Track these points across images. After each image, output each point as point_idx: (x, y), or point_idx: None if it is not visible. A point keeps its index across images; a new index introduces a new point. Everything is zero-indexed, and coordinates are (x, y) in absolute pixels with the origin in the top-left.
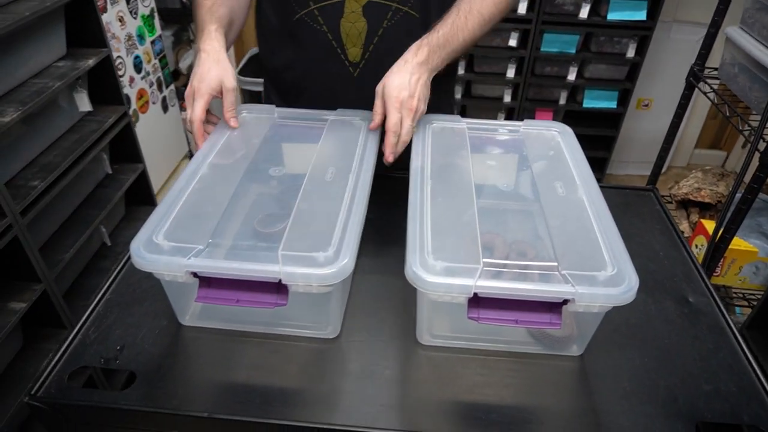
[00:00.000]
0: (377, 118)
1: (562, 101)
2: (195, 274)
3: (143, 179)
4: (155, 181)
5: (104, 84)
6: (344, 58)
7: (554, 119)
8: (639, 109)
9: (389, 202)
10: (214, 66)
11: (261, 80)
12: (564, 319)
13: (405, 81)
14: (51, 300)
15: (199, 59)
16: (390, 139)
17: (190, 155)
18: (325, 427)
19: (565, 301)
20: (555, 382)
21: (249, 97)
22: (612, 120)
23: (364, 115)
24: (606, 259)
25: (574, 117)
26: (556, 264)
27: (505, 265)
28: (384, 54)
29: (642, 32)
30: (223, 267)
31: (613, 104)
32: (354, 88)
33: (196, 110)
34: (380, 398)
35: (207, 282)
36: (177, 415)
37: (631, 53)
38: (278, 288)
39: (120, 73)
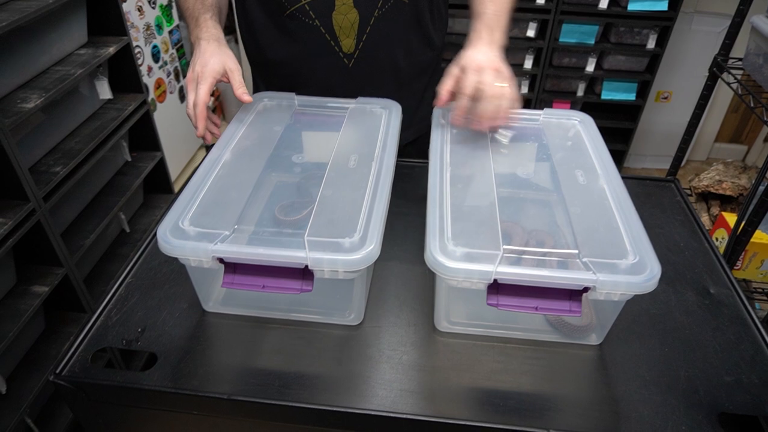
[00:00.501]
0: (441, 93)
1: (580, 93)
2: (221, 260)
3: (161, 167)
4: (172, 170)
5: (124, 72)
6: (338, 50)
7: None
8: (658, 101)
9: (408, 190)
10: (216, 51)
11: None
12: (583, 307)
13: (484, 54)
14: (72, 284)
15: (199, 47)
16: (462, 102)
17: (206, 145)
18: (342, 410)
19: (586, 289)
20: (573, 370)
21: None
22: (630, 112)
23: (384, 104)
24: (628, 248)
25: (591, 109)
26: (577, 251)
27: (525, 252)
28: (377, 43)
29: (663, 23)
30: (249, 253)
31: (631, 96)
32: (349, 79)
33: (201, 94)
34: (398, 383)
35: (233, 268)
36: (197, 396)
37: (651, 44)
38: (304, 274)
39: (139, 62)
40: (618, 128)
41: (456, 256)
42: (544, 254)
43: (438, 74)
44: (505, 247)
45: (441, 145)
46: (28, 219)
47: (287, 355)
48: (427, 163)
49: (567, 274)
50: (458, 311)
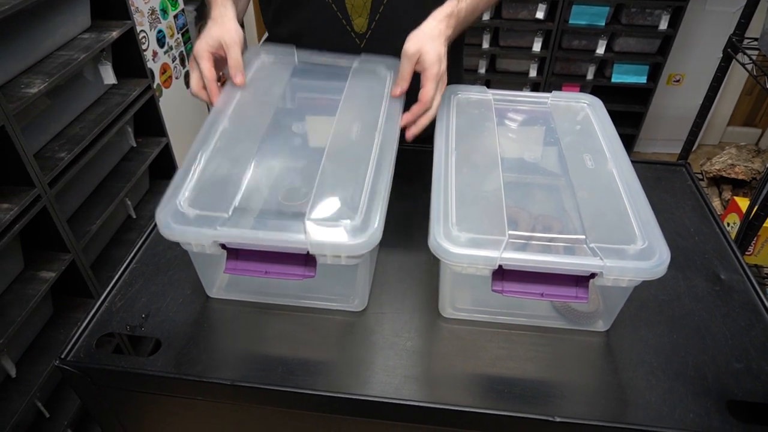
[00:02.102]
0: (404, 85)
1: (590, 76)
2: (223, 246)
3: (167, 153)
4: (178, 156)
5: (128, 57)
6: (350, 29)
7: None
8: (670, 84)
9: (412, 175)
10: (216, 26)
11: None
12: (590, 293)
13: (442, 52)
14: (79, 270)
15: (206, 27)
16: (419, 111)
17: None
18: (346, 396)
19: (593, 275)
20: (579, 356)
21: None
22: (641, 96)
23: (388, 63)
24: (636, 233)
25: (601, 92)
26: (583, 237)
27: (531, 238)
28: (389, 24)
29: (676, 3)
30: (250, 238)
31: (642, 79)
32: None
33: (205, 71)
34: (402, 370)
35: (235, 253)
36: (200, 382)
37: (663, 26)
38: (306, 259)
39: (144, 47)
40: (628, 112)
41: (460, 242)
42: (551, 240)
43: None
44: (510, 232)
45: (446, 129)
46: (34, 205)
47: (291, 341)
48: (432, 147)
49: (573, 260)
50: (463, 297)
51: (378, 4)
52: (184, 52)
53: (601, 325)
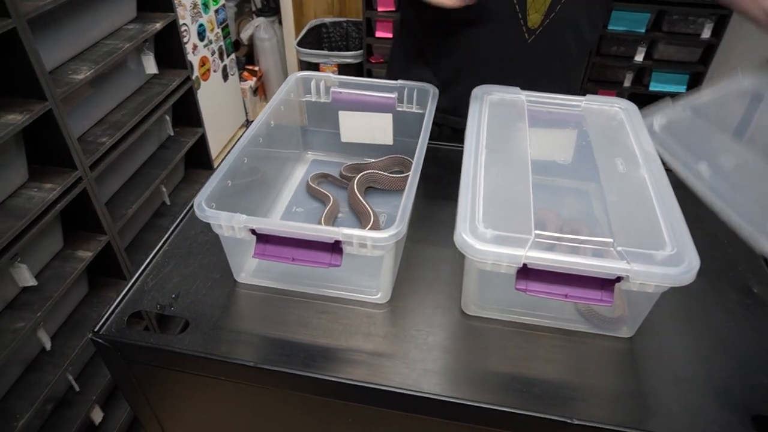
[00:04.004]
0: None
1: (627, 83)
2: (253, 231)
3: (202, 143)
4: (213, 147)
5: (170, 48)
6: (523, 23)
7: None
8: None
9: (442, 173)
10: None
11: (322, 52)
12: (616, 299)
13: None
14: (114, 252)
15: None
16: None
17: (247, 124)
18: (365, 385)
19: (619, 279)
20: (601, 361)
21: (308, 68)
22: None
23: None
24: (666, 239)
25: (638, 101)
26: (611, 240)
27: (557, 239)
28: (562, 23)
29: (720, 11)
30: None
31: (682, 88)
32: (524, 55)
33: None
34: (422, 363)
35: (265, 239)
36: (224, 362)
37: (706, 34)
38: (333, 248)
39: (184, 39)
40: None
41: (486, 238)
42: (577, 242)
43: (582, 68)
44: (536, 232)
45: (478, 128)
46: (75, 186)
47: (314, 328)
48: (462, 146)
49: (599, 262)
50: (487, 295)
51: (557, 2)
52: (224, 47)
53: (626, 332)
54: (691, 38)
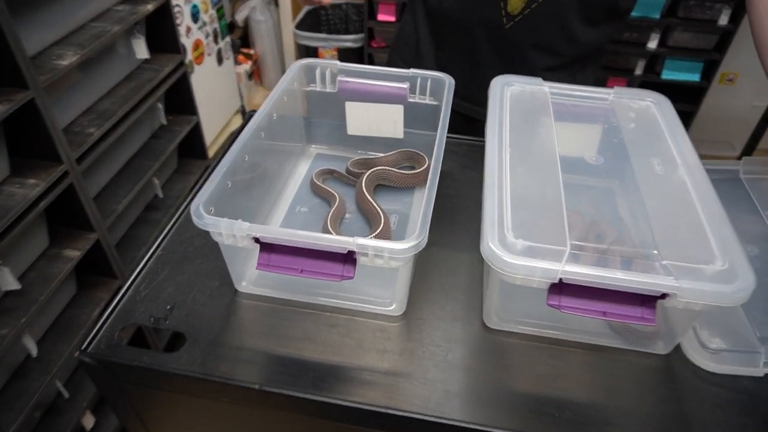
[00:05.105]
0: None
1: (639, 71)
2: (256, 240)
3: (197, 132)
4: (208, 135)
5: (161, 31)
6: (503, 6)
7: None
8: (722, 83)
9: (456, 170)
10: None
11: (320, 35)
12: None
13: None
14: (104, 250)
15: None
16: None
17: (242, 110)
18: (383, 411)
19: (663, 296)
20: (637, 380)
21: (306, 52)
22: (692, 94)
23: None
24: (715, 251)
25: (649, 89)
26: (656, 252)
27: (595, 250)
28: (543, 13)
29: None
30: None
31: (695, 77)
32: (499, 39)
33: None
34: (442, 384)
35: (269, 248)
36: (226, 384)
37: (724, 20)
38: (345, 259)
39: (177, 21)
40: (677, 111)
41: (516, 250)
42: (618, 253)
43: (579, 77)
44: (572, 242)
45: (500, 123)
46: (61, 181)
47: (323, 344)
48: (477, 140)
49: (643, 278)
50: (511, 308)
51: None
52: (218, 29)
53: (662, 348)
54: (708, 24)
